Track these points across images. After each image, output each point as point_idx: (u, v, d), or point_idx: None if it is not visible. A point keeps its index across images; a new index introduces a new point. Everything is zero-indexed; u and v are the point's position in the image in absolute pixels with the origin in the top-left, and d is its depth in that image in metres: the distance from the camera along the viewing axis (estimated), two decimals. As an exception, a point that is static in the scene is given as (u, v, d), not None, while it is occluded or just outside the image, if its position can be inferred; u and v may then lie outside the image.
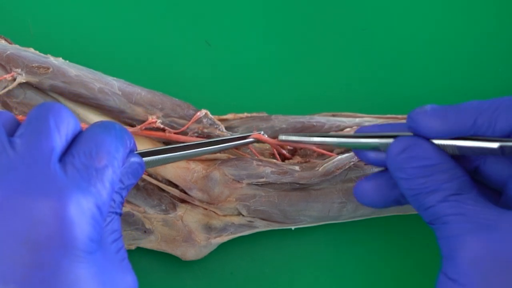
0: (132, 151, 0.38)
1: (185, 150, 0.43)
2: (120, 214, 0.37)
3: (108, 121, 0.38)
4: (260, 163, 0.45)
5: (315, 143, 0.42)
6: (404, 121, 0.48)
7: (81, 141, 0.35)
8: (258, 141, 0.46)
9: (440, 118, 0.37)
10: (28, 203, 0.32)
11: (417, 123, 0.38)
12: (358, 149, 0.41)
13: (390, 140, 0.39)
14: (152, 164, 0.42)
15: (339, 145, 0.41)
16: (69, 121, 0.35)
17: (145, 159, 0.41)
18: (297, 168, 0.46)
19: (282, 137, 0.43)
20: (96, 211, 0.33)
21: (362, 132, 0.41)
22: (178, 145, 0.44)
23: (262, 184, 0.46)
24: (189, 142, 0.44)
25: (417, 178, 0.37)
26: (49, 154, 0.33)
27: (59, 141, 0.34)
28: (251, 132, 0.46)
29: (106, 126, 0.37)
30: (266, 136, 0.46)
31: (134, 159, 0.38)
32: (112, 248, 0.35)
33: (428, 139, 0.38)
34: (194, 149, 0.44)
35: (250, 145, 0.47)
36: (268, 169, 0.45)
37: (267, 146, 0.48)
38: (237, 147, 0.46)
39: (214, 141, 0.45)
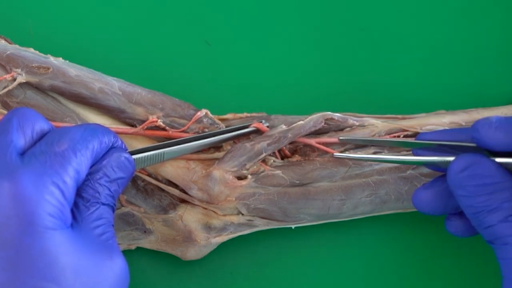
0: (116, 148, 0.39)
1: (181, 144, 0.43)
2: (111, 207, 0.38)
3: (86, 123, 0.39)
4: (252, 142, 0.45)
5: (371, 160, 0.44)
6: (404, 121, 0.48)
7: (47, 135, 0.37)
8: (258, 130, 0.46)
9: (504, 130, 0.37)
10: None
11: (481, 134, 0.38)
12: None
13: (451, 158, 0.39)
14: (148, 161, 0.42)
15: (397, 162, 0.41)
16: (34, 121, 0.37)
17: (137, 156, 0.41)
18: (289, 135, 0.46)
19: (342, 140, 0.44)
20: (54, 189, 0.34)
21: (423, 139, 0.41)
22: (173, 141, 0.44)
23: (261, 181, 0.46)
24: (186, 137, 0.44)
25: (477, 196, 0.37)
26: (7, 147, 0.35)
27: (22, 137, 0.36)
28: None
29: (79, 124, 0.39)
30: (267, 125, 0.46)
31: (118, 153, 0.39)
32: (96, 232, 0.36)
33: (490, 155, 0.38)
34: (191, 142, 0.44)
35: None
36: (263, 144, 0.45)
37: (267, 146, 0.48)
38: (237, 138, 0.46)
39: (213, 133, 0.45)
